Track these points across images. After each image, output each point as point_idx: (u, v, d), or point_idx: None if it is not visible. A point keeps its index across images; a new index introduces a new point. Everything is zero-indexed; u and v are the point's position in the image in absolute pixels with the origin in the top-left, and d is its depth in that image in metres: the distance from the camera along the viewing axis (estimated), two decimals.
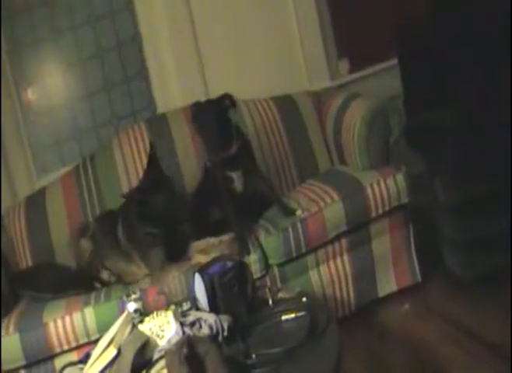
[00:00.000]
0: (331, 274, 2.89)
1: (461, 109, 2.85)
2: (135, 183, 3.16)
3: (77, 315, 2.66)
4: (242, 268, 2.26)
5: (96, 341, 2.30)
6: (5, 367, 2.65)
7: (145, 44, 3.66)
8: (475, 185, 2.83)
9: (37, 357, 2.67)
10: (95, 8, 3.63)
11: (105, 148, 3.41)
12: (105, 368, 2.04)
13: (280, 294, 2.31)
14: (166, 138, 3.30)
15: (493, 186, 2.80)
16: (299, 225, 2.79)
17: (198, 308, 2.25)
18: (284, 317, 2.13)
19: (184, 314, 2.21)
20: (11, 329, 2.68)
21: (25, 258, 3.21)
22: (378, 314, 2.93)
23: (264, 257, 2.79)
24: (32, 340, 2.65)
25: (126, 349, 2.01)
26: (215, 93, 3.05)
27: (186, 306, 2.31)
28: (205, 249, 2.76)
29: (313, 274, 2.87)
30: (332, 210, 2.82)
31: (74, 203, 3.24)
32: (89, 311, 2.67)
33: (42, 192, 3.35)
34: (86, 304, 2.71)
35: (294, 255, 2.81)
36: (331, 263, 2.90)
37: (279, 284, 2.81)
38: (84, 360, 2.23)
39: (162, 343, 2.05)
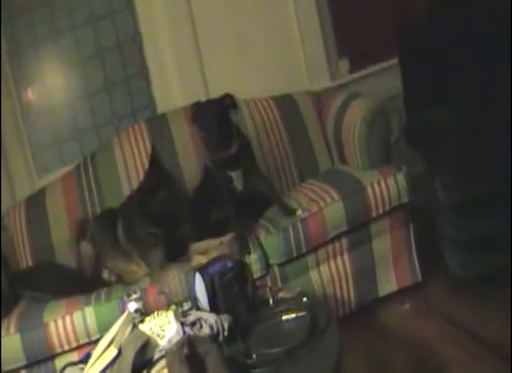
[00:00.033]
0: (331, 274, 2.90)
1: (461, 109, 2.85)
2: (135, 182, 3.17)
3: (77, 315, 2.66)
4: (242, 268, 2.26)
5: (97, 341, 2.30)
6: (5, 368, 2.65)
7: (146, 44, 3.65)
8: (475, 185, 2.83)
9: (38, 357, 2.67)
10: (95, 8, 3.62)
11: (105, 148, 3.41)
12: (106, 368, 2.04)
13: (280, 294, 2.31)
14: (166, 138, 3.30)
15: (493, 186, 2.80)
16: (299, 225, 2.79)
17: (198, 308, 2.25)
18: (284, 317, 2.13)
19: (185, 314, 2.21)
20: (11, 329, 2.68)
21: (25, 258, 3.21)
22: (378, 313, 2.93)
23: (265, 257, 2.79)
24: (32, 340, 2.65)
25: (127, 349, 2.01)
26: (215, 93, 3.05)
27: (186, 306, 2.31)
28: (205, 251, 2.76)
29: (313, 274, 2.87)
30: (332, 209, 2.82)
31: (74, 203, 3.24)
32: (89, 311, 2.67)
33: (42, 192, 3.35)
34: (87, 304, 2.71)
35: (294, 254, 2.81)
36: (332, 262, 2.90)
37: (280, 284, 2.81)
38: (85, 360, 2.23)
39: (162, 342, 2.05)
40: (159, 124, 3.37)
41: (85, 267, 3.01)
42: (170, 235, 2.84)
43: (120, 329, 2.12)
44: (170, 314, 2.16)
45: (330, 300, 2.88)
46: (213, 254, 2.62)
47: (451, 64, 2.90)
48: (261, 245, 2.79)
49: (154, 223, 2.82)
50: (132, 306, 2.24)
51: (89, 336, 2.65)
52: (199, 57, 3.57)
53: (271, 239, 2.79)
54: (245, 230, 2.85)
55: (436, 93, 2.97)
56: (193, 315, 2.16)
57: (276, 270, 2.82)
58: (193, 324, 2.10)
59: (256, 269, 2.73)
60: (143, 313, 2.24)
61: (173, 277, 2.69)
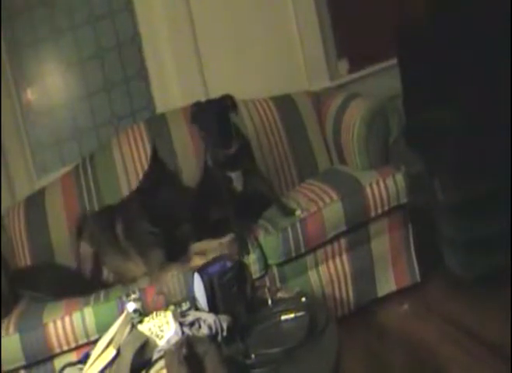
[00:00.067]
0: (330, 274, 2.90)
1: (460, 110, 2.85)
2: (134, 182, 3.17)
3: (76, 316, 2.67)
4: (241, 268, 2.26)
5: (96, 341, 2.29)
6: (4, 368, 2.65)
7: (145, 44, 3.66)
8: (474, 185, 2.83)
9: (37, 357, 2.68)
10: (95, 8, 3.63)
11: (104, 148, 3.41)
12: (104, 368, 2.03)
13: (279, 294, 2.31)
14: (166, 138, 3.30)
15: (493, 187, 2.80)
16: (298, 225, 2.79)
17: (197, 308, 2.25)
18: (283, 317, 2.13)
19: (184, 314, 2.21)
20: (11, 329, 2.68)
21: (24, 258, 3.21)
22: (377, 314, 2.93)
23: (264, 257, 2.79)
24: (32, 341, 2.65)
25: (125, 349, 2.01)
26: (214, 93, 3.05)
27: (185, 306, 2.31)
28: (205, 251, 2.76)
29: (312, 274, 2.87)
30: (331, 210, 2.82)
31: (73, 204, 3.24)
32: (88, 312, 2.67)
33: (42, 192, 3.35)
34: (86, 304, 2.71)
35: (293, 255, 2.81)
36: (331, 262, 2.90)
37: (278, 284, 2.81)
38: (83, 360, 2.22)
39: (161, 343, 2.05)
40: (158, 125, 3.38)
41: (85, 268, 3.01)
42: (170, 234, 2.84)
43: (118, 330, 2.12)
44: (169, 314, 2.16)
45: (329, 300, 2.88)
46: (212, 255, 2.62)
47: (450, 65, 2.90)
48: (260, 246, 2.79)
49: (154, 222, 2.82)
50: (131, 306, 2.24)
51: (87, 336, 2.65)
52: (198, 57, 3.58)
53: (270, 240, 2.79)
54: (244, 230, 2.85)
55: (436, 94, 2.97)
56: (192, 316, 2.16)
57: (275, 270, 2.82)
58: (192, 324, 2.10)
59: (255, 269, 2.73)
60: (142, 313, 2.24)
61: (172, 277, 2.69)
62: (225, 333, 2.05)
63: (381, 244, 2.94)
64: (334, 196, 2.86)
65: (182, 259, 2.81)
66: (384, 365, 2.62)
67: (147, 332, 2.09)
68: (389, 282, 2.99)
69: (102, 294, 2.78)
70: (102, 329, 2.48)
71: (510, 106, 2.73)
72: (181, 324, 2.10)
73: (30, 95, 3.66)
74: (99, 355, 2.08)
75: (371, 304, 2.97)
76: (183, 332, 2.06)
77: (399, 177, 2.90)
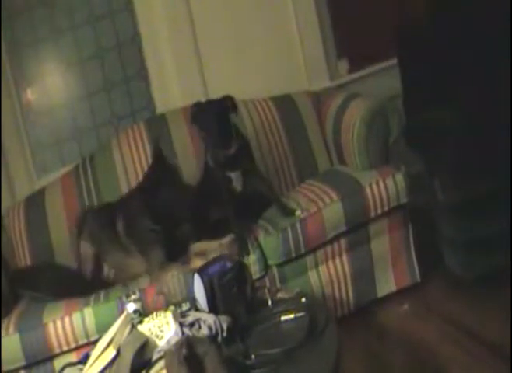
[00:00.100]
0: (330, 274, 2.90)
1: (460, 110, 2.85)
2: (134, 182, 3.17)
3: (76, 316, 2.67)
4: (241, 269, 2.26)
5: (96, 342, 2.29)
6: (4, 368, 2.65)
7: (145, 44, 3.66)
8: (474, 185, 2.83)
9: (37, 357, 2.68)
10: (95, 8, 3.63)
11: (104, 149, 3.41)
12: (104, 369, 2.03)
13: (279, 295, 2.31)
14: (166, 139, 3.30)
15: (493, 186, 2.80)
16: (298, 225, 2.79)
17: (197, 309, 2.24)
18: (283, 317, 2.13)
19: (183, 314, 2.21)
20: (11, 329, 2.68)
21: (24, 258, 3.21)
22: (377, 314, 2.93)
23: (264, 258, 2.79)
24: (32, 341, 2.65)
25: (125, 349, 2.01)
26: (214, 93, 3.05)
27: (185, 307, 2.31)
28: (205, 251, 2.76)
29: (312, 274, 2.87)
30: (331, 210, 2.82)
31: (73, 204, 3.24)
32: (88, 312, 2.67)
33: (41, 192, 3.35)
34: (86, 304, 2.71)
35: (293, 255, 2.81)
36: (330, 263, 2.90)
37: (278, 285, 2.81)
38: (83, 360, 2.22)
39: (161, 343, 2.05)
40: (158, 125, 3.37)
41: (86, 268, 3.01)
42: (171, 232, 2.84)
43: (118, 330, 2.12)
44: (169, 315, 2.16)
45: (329, 300, 2.88)
46: (212, 256, 2.62)
47: (450, 65, 2.90)
48: (260, 246, 2.79)
49: (155, 219, 2.82)
50: (131, 307, 2.24)
51: (87, 336, 2.65)
52: (198, 57, 3.57)
53: (270, 240, 2.79)
54: (244, 231, 2.85)
55: (436, 94, 2.97)
56: (192, 316, 2.16)
57: (275, 270, 2.82)
58: (192, 325, 2.10)
59: (255, 270, 2.73)
60: (142, 314, 2.24)
61: (172, 278, 2.69)
62: (225, 334, 2.05)
63: (381, 244, 2.94)
64: (334, 196, 2.86)
65: (182, 260, 2.81)
66: (383, 365, 2.62)
67: (147, 333, 2.09)
68: (389, 282, 2.99)
69: (102, 294, 2.78)
70: (102, 330, 2.48)
71: (510, 106, 2.73)
72: (181, 324, 2.10)
73: (30, 95, 3.66)
74: (99, 355, 2.08)
75: (371, 304, 2.97)
76: (183, 333, 2.06)
77: (399, 177, 2.90)
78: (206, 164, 2.98)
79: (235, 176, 2.88)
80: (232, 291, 2.17)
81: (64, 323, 2.66)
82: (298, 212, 2.84)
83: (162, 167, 2.87)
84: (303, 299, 2.22)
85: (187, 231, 2.90)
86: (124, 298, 2.47)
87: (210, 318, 2.09)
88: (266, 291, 2.35)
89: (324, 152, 3.36)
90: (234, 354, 1.95)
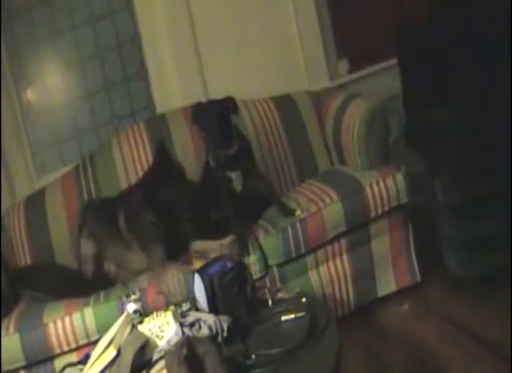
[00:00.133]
0: (330, 274, 2.90)
1: (460, 110, 2.85)
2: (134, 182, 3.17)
3: (77, 316, 2.67)
4: (242, 269, 2.26)
5: (96, 342, 2.29)
6: (4, 368, 2.65)
7: (145, 44, 3.66)
8: (474, 185, 2.83)
9: (37, 357, 2.68)
10: (94, 8, 3.62)
11: (104, 148, 3.41)
12: (105, 369, 2.04)
13: (280, 295, 2.31)
14: (166, 139, 3.29)
15: (493, 186, 2.80)
16: (298, 225, 2.79)
17: (197, 309, 2.25)
18: (283, 317, 2.13)
19: (184, 314, 2.21)
20: (11, 329, 2.68)
21: (24, 258, 3.20)
22: (377, 314, 2.93)
23: (264, 258, 2.79)
24: (32, 341, 2.65)
25: (126, 349, 2.01)
26: (214, 93, 3.06)
27: (185, 307, 2.31)
28: (205, 251, 2.76)
29: (312, 274, 2.87)
30: (331, 210, 2.82)
31: (73, 204, 3.24)
32: (88, 312, 2.67)
33: (41, 192, 3.35)
34: (86, 304, 2.71)
35: (293, 255, 2.81)
36: (331, 263, 2.90)
37: (279, 285, 2.81)
38: (84, 360, 2.23)
39: (161, 343, 2.05)
40: (158, 125, 3.37)
41: (86, 269, 3.00)
42: (172, 228, 2.83)
43: (119, 330, 2.12)
44: (169, 315, 2.16)
45: (329, 300, 2.88)
46: (213, 256, 2.62)
47: (450, 65, 2.90)
48: (260, 246, 2.79)
49: (157, 214, 2.81)
50: (131, 307, 2.24)
51: (88, 336, 2.65)
52: (198, 57, 3.57)
53: (270, 240, 2.79)
54: (244, 231, 2.85)
55: (435, 94, 2.97)
56: (192, 316, 2.16)
57: (275, 270, 2.82)
58: (192, 325, 2.10)
59: (255, 270, 2.73)
60: (142, 314, 2.24)
61: (172, 277, 2.69)
62: (225, 334, 2.05)
63: (381, 244, 2.94)
64: (335, 196, 2.86)
65: (183, 260, 2.80)
66: (384, 365, 2.62)
67: (147, 333, 2.09)
68: (389, 282, 2.99)
69: (102, 294, 2.78)
70: (102, 330, 2.48)
71: (510, 106, 2.73)
72: (181, 324, 2.10)
73: (30, 95, 3.66)
74: (100, 355, 2.08)
75: (371, 304, 2.97)
76: (183, 333, 2.06)
77: (399, 177, 2.90)
78: (206, 164, 2.98)
79: (235, 176, 2.88)
80: (232, 291, 2.18)
81: (65, 323, 2.66)
82: (298, 212, 2.84)
83: (165, 162, 2.87)
84: (304, 299, 2.22)
85: (188, 230, 2.90)
86: (125, 298, 2.47)
87: (210, 319, 2.09)
88: (266, 291, 2.36)
89: (324, 152, 3.36)
90: (234, 354, 1.95)
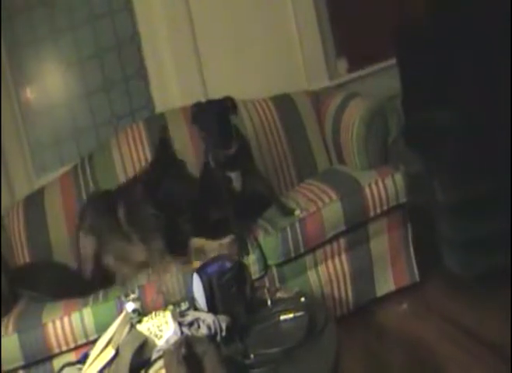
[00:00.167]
0: (329, 274, 2.90)
1: (459, 110, 2.85)
2: None
3: (75, 316, 2.67)
4: (241, 268, 2.27)
5: (95, 341, 2.30)
6: (3, 368, 2.65)
7: (144, 44, 3.65)
8: (474, 185, 2.83)
9: (36, 357, 2.67)
10: (94, 7, 3.62)
11: (103, 148, 3.41)
12: (103, 368, 2.04)
13: (278, 294, 2.31)
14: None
15: (493, 186, 2.80)
16: (297, 225, 2.79)
17: (196, 308, 2.25)
18: (282, 317, 2.13)
19: (183, 314, 2.21)
20: (10, 329, 2.68)
21: (23, 257, 3.20)
22: (376, 313, 2.93)
23: (263, 257, 2.79)
24: (31, 341, 2.65)
25: (124, 349, 2.01)
26: (213, 93, 3.05)
27: (184, 306, 2.31)
28: (203, 248, 2.76)
29: (311, 274, 2.87)
30: (330, 209, 2.82)
31: (72, 203, 3.24)
32: (87, 312, 2.67)
33: (40, 192, 3.35)
34: (85, 304, 2.71)
35: (292, 255, 2.81)
36: (330, 262, 2.90)
37: (278, 284, 2.81)
38: (82, 360, 2.23)
39: (160, 343, 2.05)
40: (157, 124, 3.36)
41: (85, 266, 3.00)
42: (172, 221, 2.83)
43: (117, 330, 2.12)
44: (168, 314, 2.16)
45: (328, 300, 2.88)
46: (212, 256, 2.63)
47: (450, 65, 2.90)
48: (259, 246, 2.79)
49: (158, 205, 2.80)
50: (130, 306, 2.24)
51: (86, 336, 2.65)
52: (197, 57, 3.57)
53: (269, 240, 2.79)
54: (244, 231, 2.85)
55: (435, 94, 2.97)
56: (191, 316, 2.16)
57: (274, 270, 2.82)
58: (191, 324, 2.10)
59: (254, 270, 2.73)
60: (141, 313, 2.24)
61: (172, 277, 2.69)
62: (224, 333, 2.06)
63: (380, 244, 2.94)
64: (334, 196, 2.86)
65: (182, 260, 2.80)
66: (383, 365, 2.62)
67: (146, 332, 2.10)
68: (388, 282, 2.99)
69: (101, 294, 2.78)
70: (101, 329, 2.47)
71: (510, 106, 2.73)
72: (180, 324, 2.10)
73: (30, 94, 3.66)
74: (98, 355, 2.09)
75: (370, 303, 2.97)
76: (182, 332, 2.06)
77: (398, 177, 2.90)
78: (206, 164, 2.98)
79: (235, 176, 2.89)
80: (231, 291, 2.18)
81: (64, 323, 2.66)
82: (297, 212, 2.84)
83: (166, 154, 2.86)
84: (303, 299, 2.22)
85: (187, 230, 2.90)
86: (123, 298, 2.47)
87: (209, 318, 2.09)
88: (265, 290, 2.35)
89: (323, 152, 3.36)
90: (233, 354, 1.95)
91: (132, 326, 2.13)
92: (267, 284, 2.75)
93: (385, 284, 2.98)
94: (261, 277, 2.78)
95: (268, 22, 3.64)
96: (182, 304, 2.34)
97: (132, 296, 2.35)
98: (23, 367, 2.70)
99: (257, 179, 2.96)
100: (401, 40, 3.19)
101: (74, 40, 3.62)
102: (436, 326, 2.71)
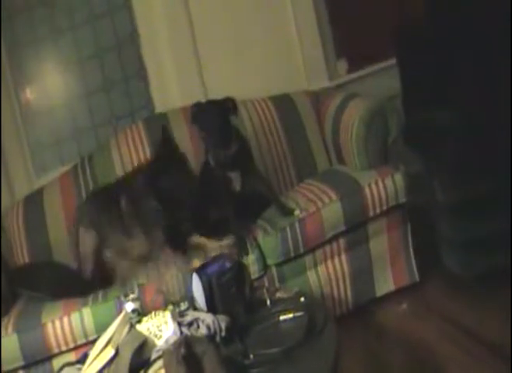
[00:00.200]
0: (328, 274, 2.90)
1: (459, 109, 2.85)
2: None
3: (75, 316, 2.67)
4: (240, 268, 2.27)
5: (94, 341, 2.30)
6: (3, 368, 2.65)
7: (144, 44, 3.65)
8: (474, 185, 2.83)
9: (35, 357, 2.68)
10: (94, 7, 3.62)
11: (103, 148, 3.41)
12: (103, 368, 2.04)
13: (278, 294, 2.31)
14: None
15: (493, 186, 2.80)
16: (297, 225, 2.79)
17: (195, 308, 2.25)
18: (282, 317, 2.13)
19: (182, 314, 2.21)
20: (9, 329, 2.68)
21: (23, 257, 3.20)
22: (376, 313, 2.93)
23: (263, 257, 2.79)
24: (30, 341, 2.65)
25: (124, 349, 2.01)
26: (213, 93, 3.05)
27: (184, 306, 2.31)
28: (202, 246, 2.76)
29: (311, 274, 2.87)
30: (330, 209, 2.82)
31: (72, 203, 3.23)
32: (86, 312, 2.67)
33: (40, 192, 3.35)
34: (84, 304, 2.71)
35: (292, 255, 2.81)
36: (329, 262, 2.90)
37: (277, 284, 2.81)
38: (82, 360, 2.23)
39: (160, 343, 2.05)
40: (157, 124, 3.36)
41: (85, 267, 2.99)
42: (173, 215, 2.83)
43: (117, 330, 2.12)
44: (167, 314, 2.16)
45: (327, 300, 2.88)
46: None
47: (450, 65, 2.90)
48: (258, 246, 2.79)
49: (159, 198, 2.80)
50: (129, 306, 2.24)
51: (86, 336, 2.65)
52: (197, 57, 3.57)
53: (269, 240, 2.79)
54: (244, 231, 2.85)
55: (435, 94, 2.97)
56: (190, 316, 2.16)
57: (274, 270, 2.82)
58: (190, 324, 2.11)
59: (254, 270, 2.73)
60: (140, 313, 2.24)
61: (171, 277, 2.69)
62: (223, 333, 2.06)
63: (380, 244, 2.94)
64: (333, 196, 2.86)
65: (182, 260, 2.80)
66: (382, 365, 2.62)
67: (145, 332, 2.10)
68: (387, 282, 2.99)
69: (100, 294, 2.78)
70: (100, 329, 2.47)
71: (510, 106, 2.73)
72: (180, 324, 2.10)
73: (29, 94, 3.66)
74: (98, 355, 2.09)
75: (370, 303, 2.97)
76: (181, 332, 2.06)
77: (398, 177, 2.90)
78: (206, 164, 2.98)
79: (234, 176, 2.89)
80: (230, 291, 2.18)
81: (63, 323, 2.66)
82: (297, 212, 2.84)
83: (168, 148, 2.85)
84: (302, 299, 2.22)
85: (188, 228, 2.89)
86: (123, 298, 2.47)
87: (209, 318, 2.09)
88: (265, 290, 2.35)
89: (323, 152, 3.36)
90: (233, 354, 1.96)
91: (132, 326, 2.14)
92: (266, 284, 2.75)
93: (385, 283, 2.98)
94: (261, 277, 2.79)
95: (267, 22, 3.64)
96: (181, 304, 2.33)
97: (132, 296, 2.35)
98: (23, 368, 2.70)
99: (257, 179, 2.96)
100: (401, 40, 3.19)
101: (74, 40, 3.62)
102: (436, 326, 2.71)
